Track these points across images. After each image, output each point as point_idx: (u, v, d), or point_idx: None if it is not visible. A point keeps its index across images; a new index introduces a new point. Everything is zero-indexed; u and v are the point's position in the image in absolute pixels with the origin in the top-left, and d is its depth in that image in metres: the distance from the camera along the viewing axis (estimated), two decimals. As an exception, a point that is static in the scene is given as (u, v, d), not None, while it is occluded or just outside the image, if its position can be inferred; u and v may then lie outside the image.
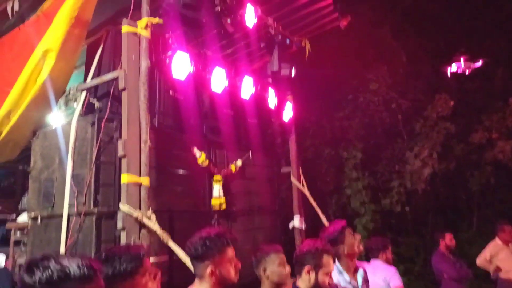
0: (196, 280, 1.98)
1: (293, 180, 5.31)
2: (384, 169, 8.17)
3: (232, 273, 1.95)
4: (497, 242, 5.39)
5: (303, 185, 5.36)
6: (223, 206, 4.13)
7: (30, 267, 1.11)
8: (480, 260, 5.48)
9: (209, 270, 1.90)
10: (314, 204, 5.16)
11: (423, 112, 7.30)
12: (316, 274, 2.20)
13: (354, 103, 7.98)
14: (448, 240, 5.26)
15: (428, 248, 8.59)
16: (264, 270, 2.34)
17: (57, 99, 3.53)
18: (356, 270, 2.72)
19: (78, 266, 1.12)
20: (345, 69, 8.14)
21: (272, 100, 4.95)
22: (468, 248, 7.27)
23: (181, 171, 3.85)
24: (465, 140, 7.20)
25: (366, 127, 7.92)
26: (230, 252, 1.97)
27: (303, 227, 5.05)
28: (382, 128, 8.03)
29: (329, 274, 2.23)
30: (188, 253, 2.00)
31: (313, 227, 5.78)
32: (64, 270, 1.11)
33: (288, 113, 5.24)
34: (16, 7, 3.62)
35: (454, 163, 7.26)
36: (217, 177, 4.20)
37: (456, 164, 7.28)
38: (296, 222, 5.02)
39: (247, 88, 4.48)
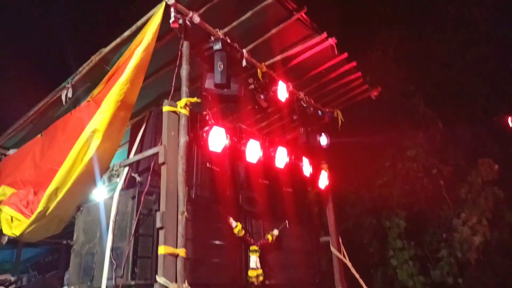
0: None
1: (333, 250, 5.12)
2: (431, 238, 7.69)
3: None
4: None
5: (344, 255, 5.14)
6: (261, 278, 4.02)
7: None
8: None
9: None
10: (357, 275, 4.89)
11: (466, 177, 7.00)
12: None
13: (392, 171, 7.82)
14: None
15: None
16: None
17: (101, 175, 3.76)
18: None
19: None
20: (380, 137, 8.14)
21: (307, 169, 4.99)
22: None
23: (217, 242, 3.84)
24: (517, 206, 6.74)
25: (407, 195, 7.65)
26: None
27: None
28: (424, 195, 7.71)
29: None
30: None
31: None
32: None
33: (323, 181, 5.23)
34: (70, 95, 4.05)
35: (507, 230, 6.73)
36: (254, 247, 4.15)
37: (511, 232, 6.75)
38: (339, 296, 4.75)
39: (281, 157, 4.57)
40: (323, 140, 5.19)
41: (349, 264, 5.10)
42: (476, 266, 6.91)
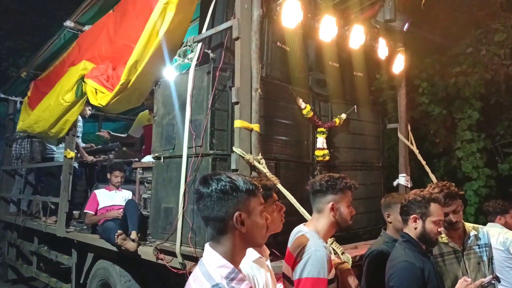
0: (314, 215, 2.06)
1: (400, 136, 5.06)
2: (505, 131, 7.28)
3: (349, 215, 2.01)
4: None
5: (411, 142, 5.09)
6: (326, 158, 4.15)
7: (206, 180, 1.33)
8: None
9: (330, 205, 1.99)
10: (423, 162, 4.88)
11: (562, 66, 6.23)
12: (423, 222, 2.13)
13: (474, 57, 7.12)
14: None
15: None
16: (388, 216, 2.54)
17: (175, 51, 3.80)
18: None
19: (244, 182, 1.33)
20: (466, 20, 7.26)
21: (382, 51, 4.68)
22: None
23: (287, 122, 3.92)
24: None
25: (487, 84, 7.06)
26: (350, 195, 2.03)
27: (409, 185, 4.84)
28: (506, 85, 7.08)
29: (438, 223, 2.14)
30: (311, 187, 2.09)
31: (418, 187, 5.50)
32: (234, 183, 1.31)
33: (399, 65, 4.92)
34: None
35: None
36: (321, 129, 4.20)
37: None
38: (402, 180, 4.83)
39: (357, 37, 4.28)
40: (404, 23, 4.70)
41: (416, 151, 5.06)
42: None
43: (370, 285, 2.50)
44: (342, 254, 2.51)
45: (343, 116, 4.51)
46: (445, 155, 7.68)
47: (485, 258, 2.50)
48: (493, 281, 2.07)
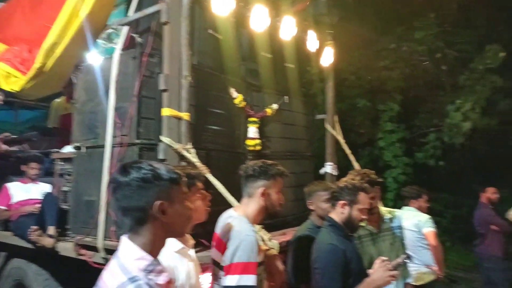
0: (244, 199, 2.07)
1: (328, 127, 5.26)
2: (421, 123, 7.94)
3: (278, 201, 2.04)
4: None
5: (338, 133, 5.31)
6: (258, 147, 4.19)
7: (125, 168, 1.26)
8: (510, 215, 5.53)
9: (261, 190, 2.00)
10: (347, 151, 5.13)
11: (469, 64, 6.89)
12: (351, 209, 2.24)
13: (396, 53, 7.62)
14: (490, 193, 5.32)
15: (459, 205, 8.51)
16: (311, 203, 2.66)
17: (99, 34, 3.56)
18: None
19: (167, 170, 1.27)
20: (390, 17, 7.72)
21: (312, 44, 4.80)
22: (501, 207, 7.16)
23: (218, 111, 3.88)
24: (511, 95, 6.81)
25: (407, 79, 7.61)
26: (281, 182, 2.06)
27: (335, 174, 5.06)
28: (424, 80, 7.69)
29: (363, 210, 2.26)
30: (243, 172, 2.09)
31: (344, 175, 5.79)
32: (156, 171, 1.25)
33: (327, 58, 5.09)
34: None
35: (497, 119, 6.93)
36: (253, 119, 4.22)
37: (499, 120, 6.96)
38: (328, 168, 5.03)
39: (288, 29, 4.34)
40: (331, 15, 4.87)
41: (342, 141, 5.30)
42: (460, 150, 7.29)
43: (296, 269, 2.59)
44: (269, 240, 2.56)
45: (275, 106, 4.57)
46: (369, 145, 8.18)
47: (397, 239, 2.71)
48: (405, 260, 2.25)
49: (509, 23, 7.37)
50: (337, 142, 5.40)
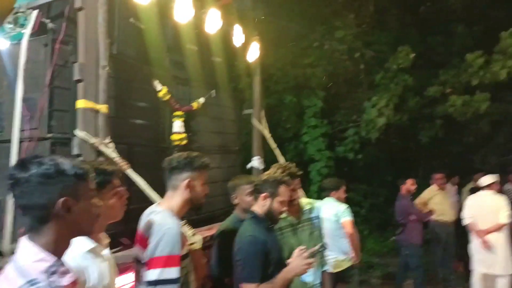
0: (169, 193, 2.02)
1: (254, 122, 5.34)
2: (342, 118, 8.40)
3: (203, 193, 2.02)
4: (433, 187, 6.04)
5: (263, 128, 5.42)
6: (184, 142, 4.11)
7: (23, 163, 1.15)
8: (418, 201, 6.12)
9: (186, 182, 1.97)
10: (272, 145, 5.25)
11: (384, 63, 7.43)
12: (272, 201, 2.30)
13: (320, 51, 7.96)
14: (409, 185, 5.78)
15: (375, 195, 9.18)
16: (235, 197, 2.66)
17: (5, 17, 3.23)
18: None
19: (72, 165, 1.19)
20: (314, 15, 8.02)
21: (238, 38, 4.82)
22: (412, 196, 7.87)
23: (142, 104, 3.73)
24: (420, 93, 7.47)
25: (329, 76, 7.99)
26: (206, 175, 2.04)
27: (262, 168, 5.16)
28: (344, 78, 8.14)
29: (284, 203, 2.33)
30: (168, 165, 2.03)
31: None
32: (59, 166, 1.16)
33: (254, 54, 5.15)
34: None
35: (407, 115, 7.58)
36: (179, 113, 4.13)
37: (410, 116, 7.61)
38: (255, 162, 5.12)
39: (213, 22, 4.30)
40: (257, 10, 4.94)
41: (267, 135, 5.41)
42: (376, 144, 7.84)
43: (220, 262, 2.60)
44: (192, 235, 2.53)
45: (202, 100, 4.52)
46: (294, 139, 8.48)
47: (316, 229, 2.84)
48: (321, 249, 2.37)
49: (418, 27, 8.08)
50: (264, 136, 5.51)
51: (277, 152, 5.25)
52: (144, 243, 1.88)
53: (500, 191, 5.79)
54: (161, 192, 2.80)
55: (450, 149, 8.55)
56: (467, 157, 8.99)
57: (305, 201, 2.93)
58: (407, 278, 5.97)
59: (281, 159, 5.10)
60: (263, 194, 2.31)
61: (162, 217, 1.91)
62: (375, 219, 8.93)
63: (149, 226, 1.90)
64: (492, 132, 8.19)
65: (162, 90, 3.92)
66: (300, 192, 4.76)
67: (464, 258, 6.21)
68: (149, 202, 2.81)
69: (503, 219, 5.11)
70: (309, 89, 8.10)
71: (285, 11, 7.42)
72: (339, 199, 4.35)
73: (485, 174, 5.74)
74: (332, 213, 4.12)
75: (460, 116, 7.18)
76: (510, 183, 7.35)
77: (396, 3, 8.02)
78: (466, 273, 6.04)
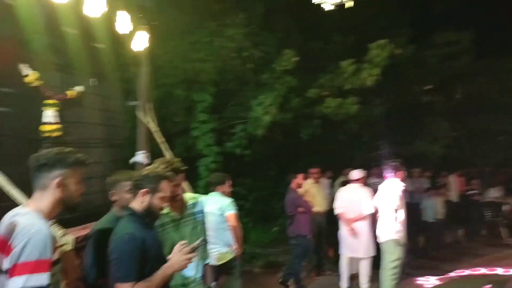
0: (37, 193, 1.80)
1: (140, 114, 5.15)
2: (231, 115, 8.59)
3: (77, 193, 1.86)
4: (309, 181, 6.65)
5: (150, 121, 5.25)
6: (56, 133, 3.76)
7: None
8: None
9: (57, 180, 1.77)
10: (159, 140, 5.13)
11: (270, 64, 7.82)
12: (152, 197, 2.24)
13: (210, 47, 7.99)
14: (299, 179, 6.17)
15: (260, 188, 9.63)
16: (114, 194, 2.54)
17: None
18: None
19: None
20: (205, 11, 8.01)
21: (125, 26, 4.57)
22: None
23: (5, 90, 3.31)
24: (302, 94, 8.05)
25: (219, 73, 8.08)
26: (81, 172, 1.87)
27: (147, 162, 4.99)
28: (233, 75, 8.32)
29: (164, 199, 2.30)
30: (35, 162, 1.80)
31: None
32: None
33: (141, 43, 4.94)
34: None
35: (291, 114, 8.10)
36: (51, 101, 3.77)
37: (292, 115, 8.15)
38: (139, 157, 4.93)
39: (96, 5, 4.00)
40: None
41: (153, 129, 5.26)
42: (261, 140, 8.22)
43: (95, 263, 2.45)
44: (63, 236, 2.34)
45: (79, 88, 4.19)
46: (184, 134, 8.39)
47: (199, 224, 2.87)
48: (202, 243, 2.40)
49: (302, 32, 8.70)
50: (150, 130, 5.33)
51: (164, 146, 5.14)
52: (5, 249, 1.67)
53: (366, 184, 6.60)
54: (28, 189, 2.53)
55: (326, 146, 9.42)
56: (339, 154, 10.03)
57: (189, 196, 2.93)
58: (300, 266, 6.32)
59: (168, 154, 5.01)
60: (143, 190, 2.25)
61: (27, 219, 1.71)
62: (259, 211, 9.37)
63: (12, 229, 1.68)
64: (360, 132, 9.25)
65: (31, 75, 3.52)
66: (186, 187, 4.76)
67: (334, 245, 6.91)
68: (11, 201, 2.52)
69: (367, 209, 5.83)
70: (199, 84, 8.08)
71: (175, 3, 7.25)
72: (224, 193, 4.45)
73: (353, 169, 6.47)
74: (217, 207, 4.21)
75: (334, 117, 7.95)
76: (374, 177, 8.40)
77: (282, 6, 8.48)
78: (336, 257, 6.75)
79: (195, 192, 5.81)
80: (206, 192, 7.17)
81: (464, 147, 11.88)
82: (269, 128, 7.80)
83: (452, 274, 7.00)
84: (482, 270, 7.00)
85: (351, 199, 6.09)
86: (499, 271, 6.84)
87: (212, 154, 8.13)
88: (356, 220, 5.96)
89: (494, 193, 10.90)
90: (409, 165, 10.08)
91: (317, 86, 8.01)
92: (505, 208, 8.63)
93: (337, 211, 6.21)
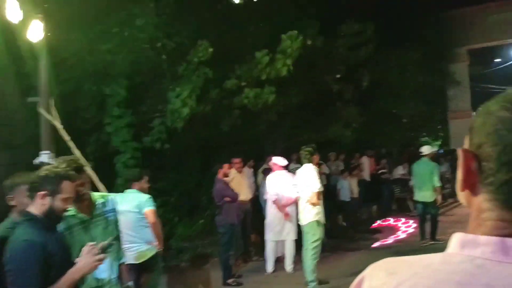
0: None
1: (42, 111, 4.72)
2: (148, 108, 8.26)
3: None
4: (233, 170, 6.80)
5: (54, 118, 4.85)
6: None
7: None
8: None
9: None
10: (66, 138, 4.77)
11: (186, 56, 7.63)
12: (53, 199, 2.07)
13: (120, 38, 7.56)
14: (226, 169, 6.23)
15: (185, 182, 9.46)
16: (12, 199, 2.49)
17: None
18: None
19: None
20: (112, -1, 7.55)
21: (14, 15, 4.13)
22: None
23: None
24: (220, 85, 8.00)
25: (131, 64, 7.70)
26: None
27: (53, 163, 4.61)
28: (147, 67, 8.00)
29: (67, 200, 2.13)
30: None
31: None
32: None
33: (37, 34, 4.51)
34: None
35: (210, 106, 8.02)
36: None
37: (212, 107, 8.08)
38: (44, 157, 4.53)
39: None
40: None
41: (59, 127, 4.88)
42: (182, 133, 8.04)
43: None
44: None
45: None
46: (96, 131, 7.89)
47: (111, 223, 2.72)
48: (113, 242, 2.28)
49: (215, 23, 8.60)
50: (55, 128, 4.94)
51: (71, 144, 4.79)
52: None
53: (288, 170, 6.86)
54: None
55: (247, 136, 9.51)
56: (260, 143, 10.21)
57: (97, 195, 2.76)
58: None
59: (77, 152, 4.68)
60: (41, 193, 2.06)
61: None
62: (185, 205, 9.22)
63: None
64: (278, 121, 9.49)
65: None
66: (100, 186, 4.51)
67: (258, 231, 7.09)
68: None
69: (294, 194, 6.10)
70: (110, 77, 7.62)
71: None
72: (141, 190, 4.29)
73: (275, 156, 6.69)
74: (134, 204, 4.04)
75: (253, 107, 8.04)
76: (293, 163, 8.73)
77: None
78: (262, 243, 6.92)
79: (115, 190, 5.55)
80: (124, 189, 6.89)
81: (372, 130, 12.81)
82: (189, 121, 7.65)
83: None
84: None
85: (281, 185, 6.38)
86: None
87: (129, 150, 7.77)
88: (288, 205, 6.27)
89: (401, 171, 11.99)
90: (325, 150, 10.68)
91: (235, 77, 8.01)
92: (411, 183, 9.51)
93: (270, 198, 6.45)
